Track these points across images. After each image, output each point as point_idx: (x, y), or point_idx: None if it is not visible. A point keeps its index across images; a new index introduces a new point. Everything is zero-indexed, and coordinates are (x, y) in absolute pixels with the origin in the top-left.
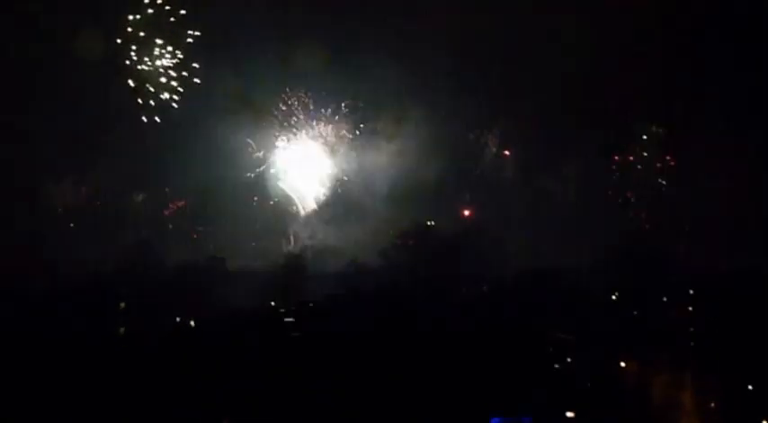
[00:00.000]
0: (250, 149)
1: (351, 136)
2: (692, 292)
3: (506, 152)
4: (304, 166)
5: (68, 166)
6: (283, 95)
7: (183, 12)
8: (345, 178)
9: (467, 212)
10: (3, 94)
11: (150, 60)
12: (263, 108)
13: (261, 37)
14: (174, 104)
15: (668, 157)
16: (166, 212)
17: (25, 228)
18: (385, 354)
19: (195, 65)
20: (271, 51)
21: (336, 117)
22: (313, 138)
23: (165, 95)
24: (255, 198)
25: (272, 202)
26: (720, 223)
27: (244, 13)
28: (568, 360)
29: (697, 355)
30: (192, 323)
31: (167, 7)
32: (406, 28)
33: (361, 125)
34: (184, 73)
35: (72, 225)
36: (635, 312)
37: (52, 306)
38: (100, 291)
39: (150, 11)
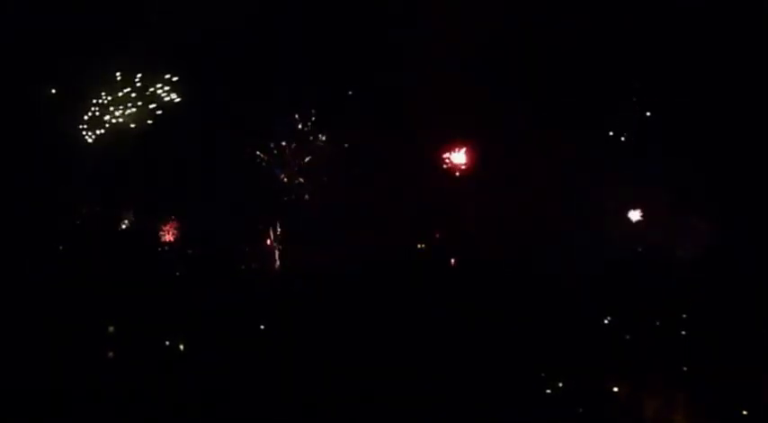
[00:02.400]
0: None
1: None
2: (685, 316)
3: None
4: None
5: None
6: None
7: None
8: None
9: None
10: None
11: None
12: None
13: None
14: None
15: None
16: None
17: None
18: (374, 378)
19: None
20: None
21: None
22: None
23: None
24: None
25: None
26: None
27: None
28: (560, 384)
29: (690, 378)
30: (182, 347)
31: None
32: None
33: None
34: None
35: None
36: (627, 336)
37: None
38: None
39: None
